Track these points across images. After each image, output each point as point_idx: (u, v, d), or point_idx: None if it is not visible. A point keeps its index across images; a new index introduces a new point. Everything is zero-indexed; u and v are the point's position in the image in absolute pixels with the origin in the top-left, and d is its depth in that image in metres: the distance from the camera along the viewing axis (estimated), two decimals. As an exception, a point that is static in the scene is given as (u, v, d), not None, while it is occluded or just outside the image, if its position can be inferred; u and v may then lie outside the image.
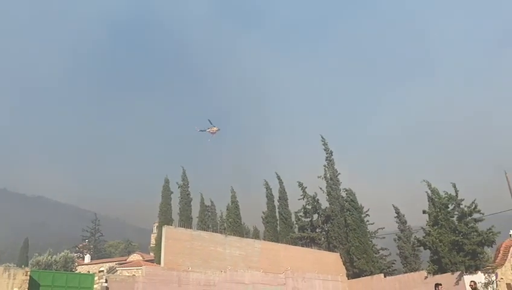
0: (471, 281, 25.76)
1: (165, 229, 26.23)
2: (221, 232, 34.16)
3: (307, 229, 39.82)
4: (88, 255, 79.54)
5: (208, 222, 47.20)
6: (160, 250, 26.80)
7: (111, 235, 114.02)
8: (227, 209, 42.73)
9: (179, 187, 44.28)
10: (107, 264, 60.70)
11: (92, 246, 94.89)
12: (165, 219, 43.12)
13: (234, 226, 40.92)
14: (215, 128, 41.19)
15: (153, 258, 52.83)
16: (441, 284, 19.40)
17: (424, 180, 31.37)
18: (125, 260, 65.57)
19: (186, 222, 40.69)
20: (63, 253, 56.42)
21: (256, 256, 30.08)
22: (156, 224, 66.78)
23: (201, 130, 40.53)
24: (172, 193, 44.98)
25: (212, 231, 35.96)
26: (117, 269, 47.49)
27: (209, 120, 40.69)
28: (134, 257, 66.85)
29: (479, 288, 23.00)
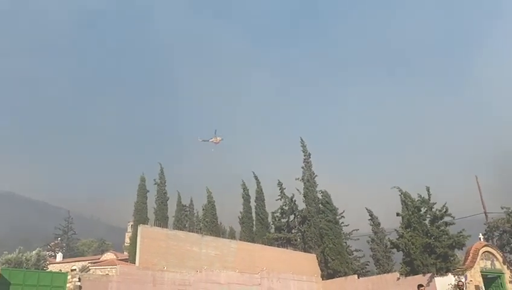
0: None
1: (140, 228, 26.01)
2: (197, 232, 34.10)
3: (283, 230, 40.13)
4: (60, 253, 77.94)
5: (184, 221, 46.95)
6: (135, 249, 26.56)
7: (84, 234, 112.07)
8: (203, 209, 42.61)
9: (155, 184, 43.95)
10: (80, 263, 59.59)
11: (64, 245, 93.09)
12: (141, 218, 42.65)
13: (211, 226, 40.88)
14: (218, 139, 41.27)
15: (127, 257, 52.14)
16: (423, 286, 19.76)
17: (394, 187, 31.96)
18: (99, 259, 64.53)
19: (162, 221, 40.40)
20: (34, 251, 55.14)
21: (232, 256, 30.12)
22: (131, 223, 66.08)
23: (204, 140, 40.50)
24: (148, 191, 44.51)
25: (189, 231, 35.90)
26: (90, 268, 46.71)
27: (215, 130, 40.86)
28: (108, 255, 65.86)
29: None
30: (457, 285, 20.81)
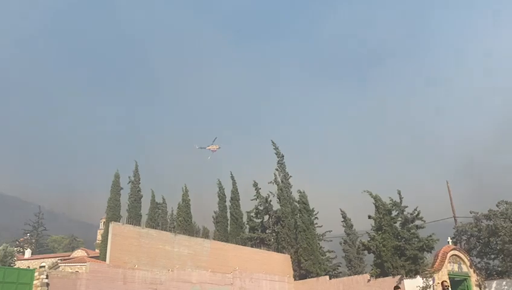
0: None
1: (112, 225, 25.65)
2: (171, 231, 33.83)
3: (258, 230, 40.22)
4: (29, 249, 76.07)
5: (158, 219, 46.55)
6: (106, 247, 26.19)
7: (55, 230, 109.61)
8: (178, 208, 42.32)
9: (129, 183, 43.44)
10: (50, 260, 58.35)
11: (34, 241, 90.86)
12: (113, 215, 42.16)
13: (184, 225, 40.64)
14: (215, 147, 41.23)
15: (98, 254, 51.31)
16: (399, 288, 19.96)
17: (365, 191, 32.44)
18: (69, 256, 63.30)
19: (135, 219, 39.87)
20: (1, 247, 53.67)
21: (205, 255, 30.00)
22: (104, 220, 64.97)
23: (201, 147, 40.60)
24: (122, 188, 44.07)
25: (162, 229, 35.60)
26: (59, 265, 45.73)
27: (215, 138, 40.92)
28: (79, 253, 64.69)
29: None
30: (442, 284, 21.16)
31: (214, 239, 37.94)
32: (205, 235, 46.24)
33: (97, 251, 62.41)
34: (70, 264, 47.41)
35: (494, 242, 30.04)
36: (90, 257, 50.45)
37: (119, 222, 32.66)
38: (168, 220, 46.78)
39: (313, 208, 38.47)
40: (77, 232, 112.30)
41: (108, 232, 26.66)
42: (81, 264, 42.75)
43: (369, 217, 32.33)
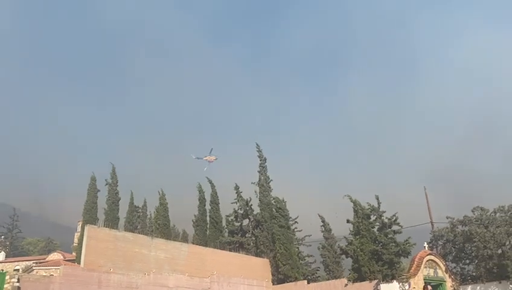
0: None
1: (87, 228, 25.24)
2: (149, 234, 33.47)
3: (237, 234, 40.05)
4: (3, 252, 74.10)
5: (136, 223, 45.96)
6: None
7: (31, 233, 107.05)
8: (155, 211, 41.86)
9: (106, 184, 42.80)
10: (24, 263, 56.94)
11: (8, 243, 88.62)
12: (90, 218, 41.37)
13: (163, 228, 40.17)
14: (213, 158, 41.15)
15: (75, 257, 50.31)
16: None
17: (346, 195, 32.67)
18: (44, 259, 61.84)
19: (112, 221, 39.35)
20: (-27, 249, 52.19)
21: (182, 259, 29.75)
22: (81, 223, 63.79)
23: (197, 158, 40.47)
24: (99, 191, 43.32)
25: (141, 233, 35.19)
26: (34, 268, 44.62)
27: (211, 149, 40.81)
28: (55, 256, 63.15)
29: None
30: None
31: (193, 243, 37.71)
32: (184, 239, 45.92)
33: (74, 254, 61.13)
34: (45, 267, 46.31)
35: (469, 248, 30.55)
36: (66, 260, 49.33)
37: (96, 224, 32.18)
38: (148, 223, 46.26)
39: (289, 215, 38.39)
40: (54, 235, 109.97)
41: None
42: (57, 267, 41.73)
43: (348, 221, 32.56)
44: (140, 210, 47.44)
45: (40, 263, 54.29)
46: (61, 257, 59.64)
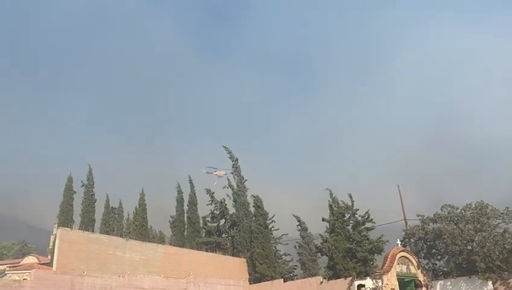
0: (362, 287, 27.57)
1: (59, 231, 25.02)
2: (126, 236, 33.29)
3: (214, 234, 40.12)
4: (-24, 256, 72.36)
5: (113, 224, 45.53)
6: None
7: (4, 236, 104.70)
8: (134, 212, 41.59)
9: (82, 186, 42.31)
10: (-3, 267, 55.70)
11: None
12: (66, 220, 40.84)
13: (140, 229, 39.98)
14: (222, 173, 41.86)
15: (50, 261, 49.52)
16: (364, 286, 20.11)
17: (327, 189, 33.13)
18: (19, 262, 60.61)
19: (88, 223, 38.99)
20: None
21: (158, 261, 29.70)
22: (57, 225, 62.68)
23: (207, 172, 40.79)
24: (75, 192, 42.78)
25: (117, 234, 34.95)
26: (7, 272, 43.77)
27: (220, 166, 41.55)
28: (29, 259, 61.92)
29: None
30: None
31: (170, 244, 37.60)
32: (161, 240, 45.69)
33: (49, 257, 60.19)
34: (18, 271, 45.48)
35: (439, 244, 31.31)
36: (41, 264, 48.47)
37: (71, 227, 31.85)
38: (124, 225, 45.88)
39: (267, 212, 38.71)
40: (30, 238, 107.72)
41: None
42: (30, 271, 41.17)
43: (323, 219, 33.00)
44: (116, 211, 46.99)
45: (14, 267, 53.21)
46: (36, 260, 58.49)
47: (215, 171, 41.46)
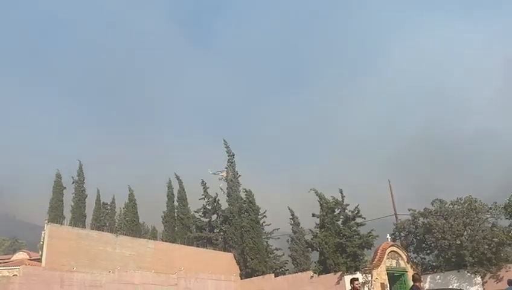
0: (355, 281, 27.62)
1: (48, 227, 24.89)
2: (118, 232, 33.20)
3: (205, 230, 40.11)
4: (-34, 253, 71.88)
5: (104, 220, 45.31)
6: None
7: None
8: (124, 208, 41.43)
9: (73, 183, 42.04)
10: (-12, 264, 55.39)
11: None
12: (56, 216, 40.52)
13: (132, 225, 39.81)
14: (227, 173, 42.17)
15: (40, 257, 49.28)
16: (357, 279, 20.20)
17: (312, 189, 33.24)
18: (9, 258, 60.32)
19: (79, 219, 38.70)
20: None
21: (148, 256, 29.68)
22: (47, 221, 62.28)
23: (214, 173, 41.21)
24: (65, 188, 42.45)
25: (109, 230, 34.81)
26: (-3, 268, 43.51)
27: (226, 167, 41.80)
28: (20, 255, 61.65)
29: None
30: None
31: (162, 239, 37.53)
32: (153, 235, 45.59)
33: (40, 253, 59.92)
34: (8, 267, 45.21)
35: (429, 239, 31.62)
36: (32, 260, 48.26)
37: (62, 223, 31.72)
38: (117, 220, 45.71)
39: (259, 207, 38.77)
40: (21, 234, 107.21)
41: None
42: (19, 267, 40.96)
43: (313, 215, 33.15)
44: (108, 207, 46.80)
45: (5, 262, 52.97)
46: (27, 256, 58.25)
47: (222, 172, 41.72)
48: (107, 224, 43.77)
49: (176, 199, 41.64)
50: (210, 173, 41.50)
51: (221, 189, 39.96)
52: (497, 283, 28.45)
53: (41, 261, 41.42)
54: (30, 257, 57.01)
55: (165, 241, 36.22)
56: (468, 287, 28.40)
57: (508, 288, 12.89)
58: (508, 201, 13.02)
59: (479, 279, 29.65)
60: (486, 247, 28.77)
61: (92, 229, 32.10)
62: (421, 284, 9.41)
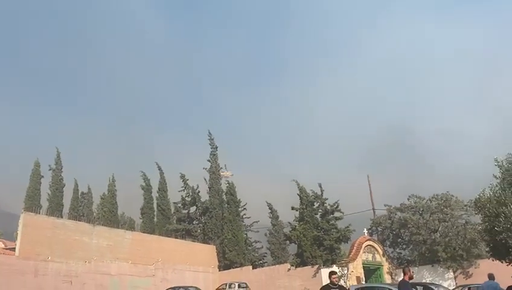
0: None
1: (23, 215, 24.43)
2: (95, 222, 32.85)
3: (185, 221, 40.04)
4: None
5: (82, 210, 44.83)
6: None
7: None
8: (102, 198, 41.04)
9: (50, 169, 41.44)
10: (-39, 252, 54.25)
11: None
12: (33, 205, 39.90)
13: (109, 216, 39.47)
14: (229, 173, 42.89)
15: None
16: (335, 273, 20.28)
17: (293, 180, 33.45)
18: (-16, 247, 59.15)
19: (56, 209, 38.28)
20: None
21: (126, 247, 29.43)
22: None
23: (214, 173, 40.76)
24: (42, 177, 41.84)
25: (87, 220, 34.40)
26: (-29, 257, 42.65)
27: (225, 165, 42.12)
28: (-4, 244, 60.63)
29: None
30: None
31: (140, 231, 37.27)
32: (131, 226, 45.29)
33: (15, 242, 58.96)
34: (-17, 256, 44.38)
35: (404, 233, 32.15)
36: (7, 249, 47.49)
37: (38, 212, 31.15)
38: (95, 210, 45.25)
39: (239, 200, 38.87)
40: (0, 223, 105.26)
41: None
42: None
43: (292, 208, 33.36)
44: (86, 197, 46.30)
45: (-20, 252, 51.89)
46: (3, 245, 57.28)
47: (222, 172, 41.68)
48: (84, 214, 43.33)
49: (157, 189, 41.39)
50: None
51: (205, 179, 39.82)
52: (467, 278, 29.15)
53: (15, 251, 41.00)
54: (6, 246, 56.03)
55: (144, 232, 36.00)
56: (440, 281, 28.97)
57: (487, 282, 13.17)
58: (477, 197, 13.34)
59: (451, 274, 30.34)
60: (459, 243, 29.40)
61: (69, 219, 31.65)
62: (408, 276, 9.51)
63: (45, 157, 43.69)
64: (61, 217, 28.95)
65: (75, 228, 26.82)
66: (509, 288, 10.92)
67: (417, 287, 18.44)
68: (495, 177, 14.03)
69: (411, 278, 9.57)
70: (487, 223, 13.93)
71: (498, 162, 14.04)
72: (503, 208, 12.92)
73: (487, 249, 16.50)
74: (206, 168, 39.99)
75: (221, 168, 41.45)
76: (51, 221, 25.70)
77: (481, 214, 14.42)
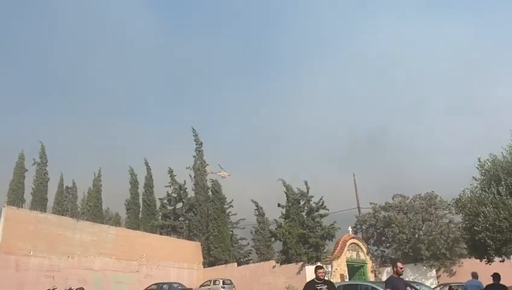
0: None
1: (4, 209, 24.13)
2: (80, 217, 32.57)
3: (170, 218, 39.89)
4: None
5: (67, 204, 44.40)
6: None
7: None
8: (87, 193, 40.67)
9: (34, 164, 40.91)
10: None
11: None
12: (16, 199, 39.40)
13: (94, 210, 39.20)
14: (226, 173, 42.09)
15: None
16: (322, 267, 20.23)
17: (280, 179, 33.55)
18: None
19: (40, 203, 37.73)
20: None
21: (110, 242, 29.27)
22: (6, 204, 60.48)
23: (211, 172, 40.60)
24: (27, 170, 41.26)
25: (71, 215, 34.12)
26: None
27: (218, 165, 41.75)
28: (-22, 238, 59.81)
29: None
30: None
31: (125, 226, 37.07)
32: (116, 222, 44.99)
33: None
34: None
35: (388, 232, 32.45)
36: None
37: (21, 206, 30.83)
38: (80, 205, 44.85)
39: (224, 197, 38.87)
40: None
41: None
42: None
43: (278, 205, 33.44)
44: (70, 191, 45.86)
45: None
46: (-15, 239, 56.58)
47: (219, 172, 41.57)
48: (69, 209, 42.91)
49: (143, 185, 41.18)
50: (207, 172, 41.20)
51: (190, 176, 39.76)
52: (450, 277, 29.54)
53: (-1, 245, 40.48)
54: (-12, 240, 55.41)
55: (129, 228, 35.81)
56: (423, 280, 29.32)
57: (470, 280, 13.29)
58: (458, 197, 13.57)
59: (433, 272, 30.71)
60: (442, 242, 29.77)
61: (53, 213, 31.34)
62: (394, 271, 9.04)
63: (30, 150, 42.98)
64: (45, 212, 28.69)
65: (58, 223, 26.56)
66: (488, 287, 11.04)
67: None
68: (474, 179, 14.22)
69: (398, 273, 8.94)
70: (467, 222, 14.12)
71: (480, 162, 14.22)
72: (483, 207, 13.11)
73: (465, 246, 16.71)
74: (189, 167, 39.98)
75: (221, 169, 41.58)
76: (33, 215, 25.42)
77: (462, 214, 14.61)
